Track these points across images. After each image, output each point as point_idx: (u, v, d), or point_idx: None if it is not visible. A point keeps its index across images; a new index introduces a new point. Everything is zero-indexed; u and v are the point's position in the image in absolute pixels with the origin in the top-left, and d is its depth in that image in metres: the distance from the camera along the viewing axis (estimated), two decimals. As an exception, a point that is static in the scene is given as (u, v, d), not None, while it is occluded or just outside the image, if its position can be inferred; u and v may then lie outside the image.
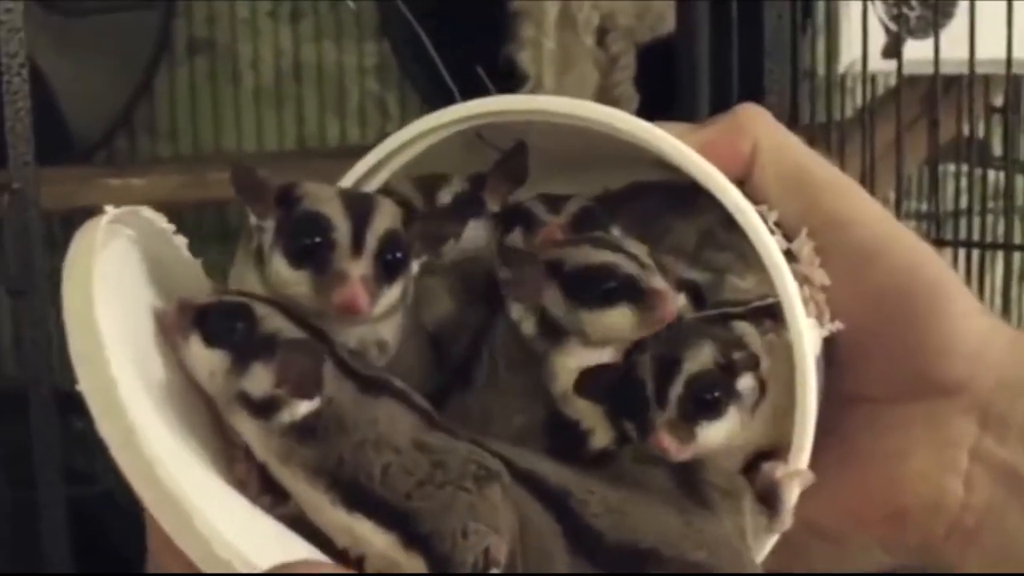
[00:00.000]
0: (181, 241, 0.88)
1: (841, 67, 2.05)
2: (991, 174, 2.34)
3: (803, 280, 0.85)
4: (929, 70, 1.96)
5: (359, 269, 0.78)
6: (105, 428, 0.68)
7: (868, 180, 1.97)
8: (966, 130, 2.16)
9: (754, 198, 0.87)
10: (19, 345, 1.77)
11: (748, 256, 0.86)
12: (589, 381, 0.82)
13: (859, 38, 1.99)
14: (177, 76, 2.59)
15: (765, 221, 0.85)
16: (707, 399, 0.81)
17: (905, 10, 2.03)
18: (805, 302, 0.83)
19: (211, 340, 0.76)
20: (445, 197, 0.89)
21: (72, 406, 0.70)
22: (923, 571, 0.93)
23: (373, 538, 0.74)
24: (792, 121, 1.91)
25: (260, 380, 0.75)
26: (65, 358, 0.71)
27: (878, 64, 2.04)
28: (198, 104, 2.59)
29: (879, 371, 0.88)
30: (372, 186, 0.90)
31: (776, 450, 0.84)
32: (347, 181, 0.89)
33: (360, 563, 0.75)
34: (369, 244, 0.79)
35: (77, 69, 2.49)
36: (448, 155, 0.90)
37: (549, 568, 0.75)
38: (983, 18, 1.92)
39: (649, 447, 0.80)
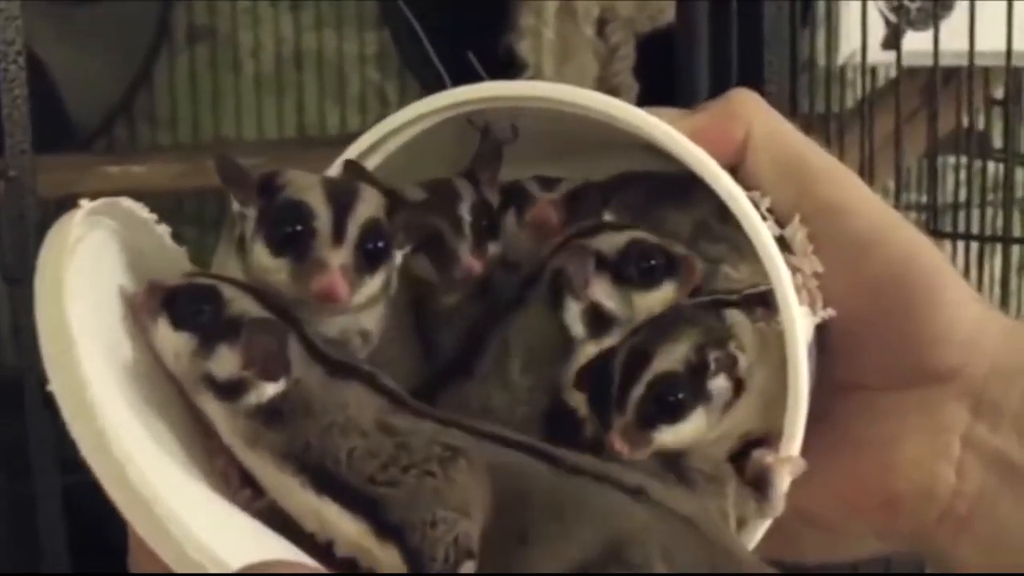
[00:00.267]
0: (164, 230, 0.87)
1: (841, 58, 2.05)
2: (990, 166, 2.34)
3: (795, 269, 0.85)
4: (929, 62, 1.96)
5: (339, 258, 0.78)
6: (76, 430, 0.68)
7: (867, 171, 1.97)
8: (965, 122, 2.16)
9: (747, 184, 0.87)
10: (17, 334, 1.76)
11: (742, 247, 0.86)
12: (583, 370, 0.83)
13: (859, 29, 1.99)
14: (177, 64, 2.59)
15: (757, 207, 0.84)
16: (669, 401, 0.80)
17: (905, 1, 2.03)
18: (797, 289, 0.83)
19: (178, 322, 0.76)
20: (464, 211, 0.89)
21: (47, 395, 0.70)
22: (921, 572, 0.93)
23: (341, 523, 0.74)
24: (791, 112, 1.91)
25: (226, 362, 0.75)
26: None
27: (878, 56, 2.04)
28: (198, 92, 2.59)
29: (873, 359, 0.88)
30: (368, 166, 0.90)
31: (767, 437, 0.84)
32: (337, 166, 0.89)
33: (329, 547, 0.75)
34: (350, 233, 0.79)
35: (77, 57, 2.49)
36: (440, 144, 0.90)
37: (530, 505, 0.75)
38: (983, 10, 1.92)
39: (606, 445, 0.80)
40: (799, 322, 0.82)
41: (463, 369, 0.86)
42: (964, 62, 1.95)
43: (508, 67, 2.36)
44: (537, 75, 2.34)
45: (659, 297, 0.85)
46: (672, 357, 0.81)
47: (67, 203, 0.79)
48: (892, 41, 2.02)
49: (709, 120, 0.89)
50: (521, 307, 0.87)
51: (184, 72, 2.59)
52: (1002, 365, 0.86)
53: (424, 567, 0.72)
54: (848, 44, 2.03)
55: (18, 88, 1.64)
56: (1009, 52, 1.92)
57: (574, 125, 0.86)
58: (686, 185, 0.88)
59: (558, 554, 0.73)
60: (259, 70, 2.62)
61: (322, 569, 0.71)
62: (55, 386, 0.69)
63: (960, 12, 1.98)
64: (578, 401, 0.84)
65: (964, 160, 2.23)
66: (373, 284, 0.80)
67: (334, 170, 0.88)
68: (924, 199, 2.19)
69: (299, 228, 0.79)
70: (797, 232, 0.87)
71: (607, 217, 0.91)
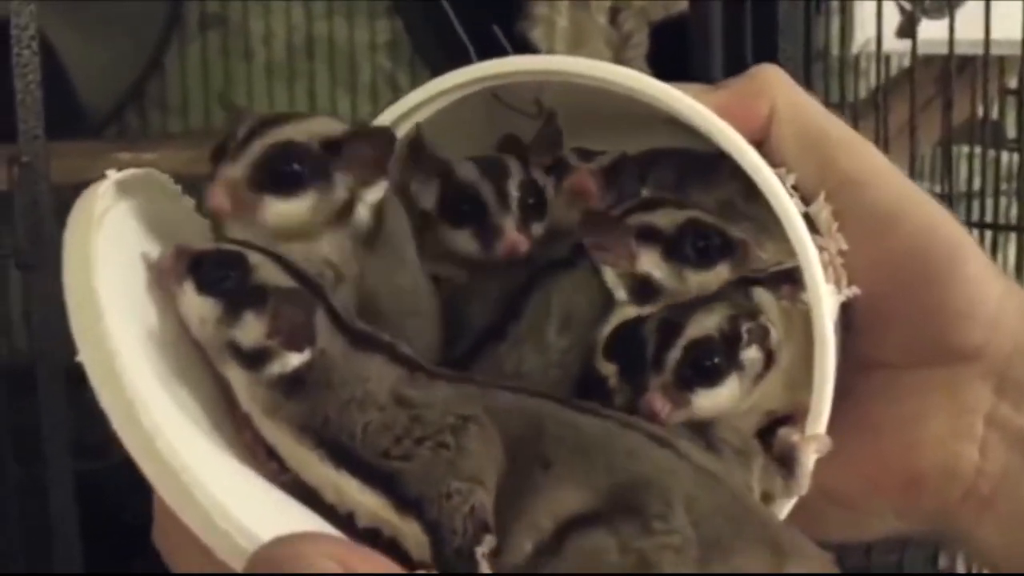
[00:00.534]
0: (189, 202, 0.87)
1: (855, 47, 2.05)
2: (1004, 155, 2.33)
3: (821, 248, 0.84)
4: (944, 50, 1.96)
5: (231, 173, 0.80)
6: (106, 401, 0.68)
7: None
8: (980, 111, 2.15)
9: (771, 160, 0.86)
10: (29, 319, 1.76)
11: (768, 226, 0.86)
12: (611, 339, 0.83)
13: (873, 18, 1.98)
14: (189, 51, 2.58)
15: (783, 184, 0.84)
16: (705, 365, 0.81)
17: (920, -11, 2.03)
18: (824, 267, 0.83)
19: (203, 287, 0.76)
20: (512, 188, 0.89)
21: (82, 379, 0.70)
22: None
23: (360, 497, 0.74)
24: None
25: (251, 330, 0.75)
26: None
27: (892, 44, 2.04)
28: (210, 79, 2.59)
29: (896, 336, 0.88)
30: None
31: (793, 415, 0.84)
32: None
33: (350, 518, 0.75)
34: (252, 151, 0.80)
35: (88, 43, 2.48)
36: (462, 120, 0.90)
37: (555, 439, 0.75)
38: (998, -2, 1.91)
39: (641, 408, 0.80)
40: (826, 299, 0.82)
41: (497, 334, 0.86)
42: (979, 51, 1.94)
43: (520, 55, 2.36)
44: (550, 62, 2.34)
45: (713, 277, 0.85)
46: (705, 325, 0.81)
47: (79, 190, 0.79)
48: (907, 30, 2.01)
49: (734, 96, 0.88)
50: (568, 269, 0.87)
51: (196, 59, 2.58)
52: None
53: (444, 540, 0.72)
54: (863, 33, 2.03)
55: (31, 73, 1.64)
56: (1025, 41, 1.92)
57: (596, 101, 0.86)
58: (710, 163, 0.88)
59: (581, 483, 0.74)
60: (270, 58, 2.62)
61: (346, 539, 0.71)
62: (84, 357, 0.69)
63: (974, 1, 1.97)
64: (608, 370, 0.84)
65: (978, 149, 2.22)
66: (288, 206, 0.81)
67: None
68: (938, 188, 2.18)
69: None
70: (822, 210, 0.87)
71: (644, 192, 0.91)
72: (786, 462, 0.82)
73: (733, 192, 0.90)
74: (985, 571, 0.89)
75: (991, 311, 0.86)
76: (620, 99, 0.84)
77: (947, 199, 2.06)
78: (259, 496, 0.73)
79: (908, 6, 2.03)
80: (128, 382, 0.68)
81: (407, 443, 0.75)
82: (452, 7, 2.44)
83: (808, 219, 0.85)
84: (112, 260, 0.73)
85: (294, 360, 0.75)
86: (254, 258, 0.76)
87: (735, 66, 1.95)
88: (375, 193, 0.83)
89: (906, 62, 2.12)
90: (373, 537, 0.74)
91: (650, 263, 0.85)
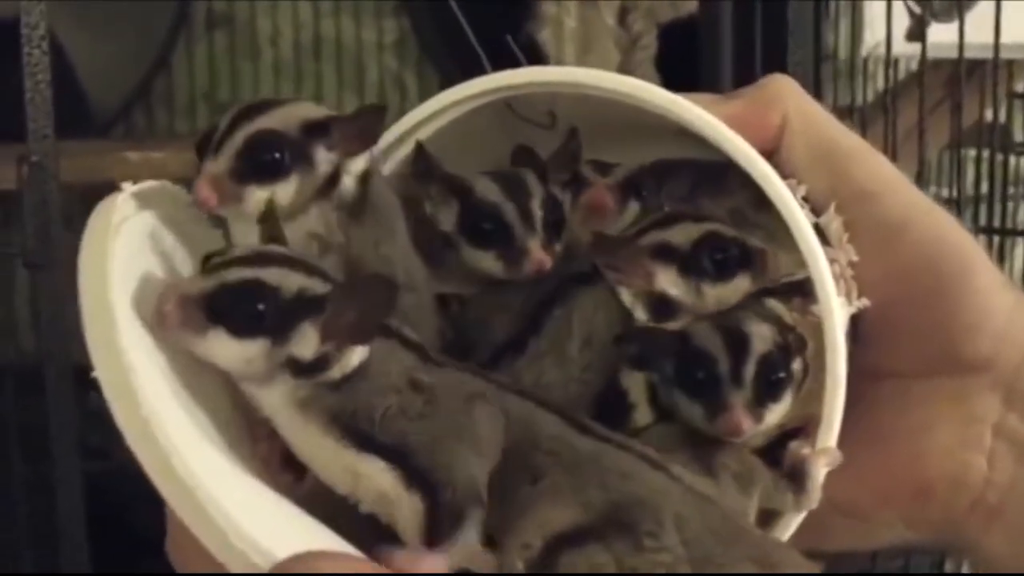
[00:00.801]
0: (202, 213, 0.87)
1: (864, 50, 2.05)
2: (1012, 159, 2.33)
3: (832, 259, 0.84)
4: (953, 54, 1.95)
5: (215, 167, 0.80)
6: (121, 418, 0.67)
7: (890, 164, 1.96)
8: (988, 115, 2.15)
9: (782, 170, 0.86)
10: (36, 320, 1.76)
11: (777, 235, 0.86)
12: (638, 348, 0.83)
13: (882, 20, 1.98)
14: (196, 50, 2.58)
15: (794, 196, 0.84)
16: (772, 380, 0.81)
17: (929, -7, 2.02)
18: (835, 280, 0.83)
19: (241, 332, 0.73)
20: (535, 207, 0.89)
21: (89, 381, 0.69)
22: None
23: (377, 476, 0.74)
24: (815, 104, 1.89)
25: (310, 341, 0.73)
26: (83, 333, 0.70)
27: (902, 48, 2.03)
28: (217, 79, 2.59)
29: (905, 346, 0.88)
30: (401, 153, 0.90)
31: (803, 428, 0.84)
32: (384, 142, 0.89)
33: (355, 507, 0.75)
34: (234, 143, 0.80)
35: (96, 42, 2.48)
36: (473, 129, 0.90)
37: (547, 452, 0.75)
38: (1008, 2, 1.90)
39: (722, 426, 0.80)
40: (837, 312, 0.82)
41: (517, 347, 0.86)
42: (988, 55, 1.94)
43: (528, 56, 2.35)
44: (558, 64, 2.34)
45: (733, 289, 0.85)
46: (767, 338, 0.81)
47: (87, 189, 0.78)
48: (916, 33, 2.01)
49: (745, 106, 0.88)
50: (588, 285, 0.87)
51: (203, 59, 2.59)
52: None
53: (439, 498, 0.73)
54: (872, 35, 2.03)
55: (41, 73, 1.63)
56: (1034, 45, 1.92)
57: (608, 110, 0.85)
58: (721, 173, 0.88)
59: (570, 500, 0.74)
60: (278, 57, 2.62)
61: (362, 557, 0.71)
62: (99, 372, 0.68)
63: (985, 4, 1.97)
64: (631, 384, 0.84)
65: (986, 153, 2.21)
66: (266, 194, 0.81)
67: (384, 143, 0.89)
68: (946, 192, 2.18)
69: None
70: (833, 221, 0.87)
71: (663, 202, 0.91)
72: (796, 476, 0.82)
73: (743, 202, 0.90)
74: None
75: (1000, 323, 0.86)
76: (631, 108, 0.84)
77: (955, 203, 2.06)
78: (274, 512, 0.73)
79: (917, 9, 2.02)
80: (143, 399, 0.67)
81: (422, 423, 0.75)
82: (460, 8, 2.44)
83: (819, 230, 0.85)
84: (128, 272, 0.73)
85: (355, 359, 0.75)
86: (270, 276, 0.74)
87: (744, 67, 1.95)
88: (359, 163, 0.84)
89: (914, 66, 2.12)
90: (372, 523, 0.75)
91: (667, 281, 0.85)
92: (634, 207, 0.92)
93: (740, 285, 0.85)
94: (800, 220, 0.82)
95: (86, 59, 2.45)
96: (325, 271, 0.76)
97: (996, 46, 1.91)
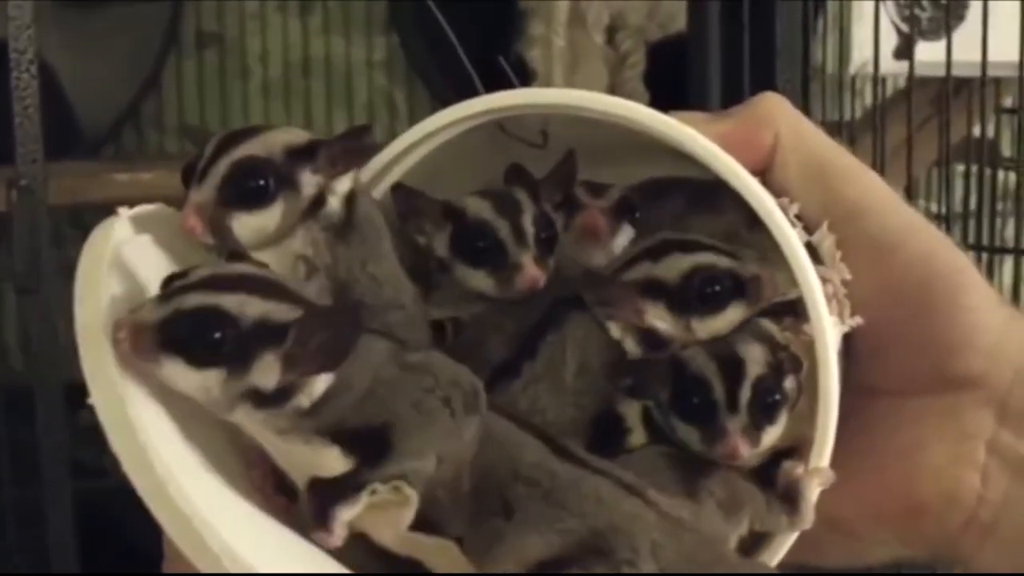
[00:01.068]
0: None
1: (852, 68, 2.05)
2: (1000, 174, 2.33)
3: (824, 279, 0.84)
4: (940, 72, 1.96)
5: (200, 196, 0.80)
6: (117, 447, 0.67)
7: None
8: (976, 131, 2.16)
9: (774, 189, 0.86)
10: (26, 341, 1.76)
11: (770, 255, 0.85)
12: (635, 378, 0.83)
13: (871, 39, 1.99)
14: (185, 70, 2.59)
15: (786, 214, 0.84)
16: (768, 402, 0.81)
17: (917, 11, 2.03)
18: (827, 299, 0.83)
19: (196, 361, 0.71)
20: (527, 224, 0.88)
21: (80, 399, 0.69)
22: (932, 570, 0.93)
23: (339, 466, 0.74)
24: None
25: (270, 371, 0.72)
26: (74, 350, 0.70)
27: (890, 66, 2.04)
28: (206, 98, 2.59)
29: (897, 364, 0.88)
30: (394, 176, 0.90)
31: (796, 447, 0.84)
32: (368, 172, 0.89)
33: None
34: (218, 171, 0.81)
35: (85, 62, 2.48)
36: (465, 149, 0.90)
37: (523, 480, 0.75)
38: (995, 20, 1.91)
39: (720, 451, 0.80)
40: (830, 333, 0.82)
41: (511, 371, 0.86)
42: (975, 72, 1.95)
43: (518, 75, 2.36)
44: (547, 84, 2.35)
45: (725, 320, 0.84)
46: (760, 360, 0.81)
47: (77, 211, 0.79)
48: (904, 51, 2.02)
49: (738, 125, 0.88)
50: (581, 309, 0.86)
51: (192, 78, 2.59)
52: None
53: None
54: (860, 54, 2.03)
55: (30, 97, 1.64)
56: (1022, 63, 1.92)
57: (601, 130, 0.85)
58: (715, 191, 0.87)
59: (545, 529, 0.73)
60: (267, 76, 2.63)
61: None
62: (95, 400, 0.68)
63: (972, 22, 1.97)
64: (628, 411, 0.84)
65: (975, 168, 2.22)
66: (258, 219, 0.81)
67: (367, 174, 0.89)
68: (935, 207, 2.18)
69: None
70: (825, 239, 0.87)
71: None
72: (790, 497, 0.82)
73: (736, 221, 0.89)
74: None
75: (992, 340, 0.86)
76: (624, 127, 0.84)
77: (945, 220, 2.06)
78: (270, 537, 0.73)
79: (905, 28, 2.03)
80: (139, 427, 0.67)
81: (416, 394, 0.75)
82: (449, 27, 2.45)
83: (811, 249, 0.85)
84: (125, 297, 0.73)
85: (321, 386, 0.73)
86: (230, 302, 0.71)
87: (733, 86, 1.96)
88: (345, 184, 0.84)
89: (901, 82, 2.12)
90: (368, 546, 0.75)
91: (656, 316, 0.84)
92: (628, 230, 0.92)
93: (732, 316, 0.84)
94: (791, 240, 0.82)
95: (76, 79, 2.45)
96: (296, 294, 0.74)
97: (983, 64, 1.91)
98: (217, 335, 0.70)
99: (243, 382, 0.71)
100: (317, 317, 0.73)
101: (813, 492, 0.82)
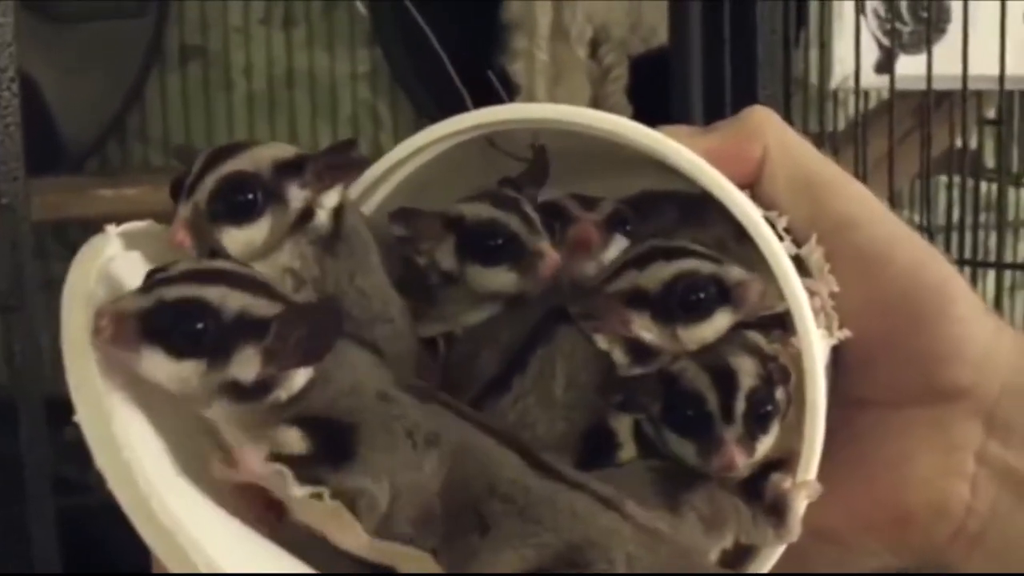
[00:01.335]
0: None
1: (834, 82, 2.05)
2: (983, 185, 2.34)
3: (812, 292, 0.85)
4: (922, 86, 1.96)
5: (188, 210, 0.81)
6: (102, 462, 0.67)
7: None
8: (958, 143, 2.16)
9: (763, 202, 0.87)
10: (9, 357, 1.76)
11: (758, 267, 0.85)
12: (626, 393, 0.83)
13: (852, 53, 1.99)
14: (169, 83, 2.59)
15: (774, 228, 0.84)
16: (761, 413, 0.81)
17: (898, 25, 2.03)
18: (815, 312, 0.83)
19: (179, 353, 0.71)
20: (531, 210, 0.89)
21: (64, 415, 0.70)
22: (919, 571, 0.94)
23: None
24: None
25: (250, 364, 0.72)
26: (58, 365, 0.70)
27: (871, 79, 2.04)
28: (190, 111, 2.59)
29: (885, 376, 0.88)
30: (382, 192, 0.91)
31: (783, 459, 0.84)
32: (357, 187, 0.89)
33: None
34: (206, 186, 0.81)
35: (68, 76, 2.48)
36: (454, 163, 0.90)
37: (498, 496, 0.75)
38: (976, 34, 1.92)
39: (717, 463, 0.80)
40: (817, 346, 0.82)
41: (502, 385, 0.86)
42: (957, 86, 1.95)
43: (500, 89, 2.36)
44: (530, 98, 2.35)
45: (711, 327, 0.84)
46: (752, 372, 0.82)
47: (61, 227, 0.79)
48: (885, 65, 2.02)
49: (726, 139, 0.89)
50: (568, 324, 0.86)
51: (176, 91, 2.59)
52: (1014, 383, 0.87)
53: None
54: (842, 68, 2.03)
55: (11, 115, 1.62)
56: (1002, 76, 1.92)
57: (590, 143, 0.86)
58: (702, 204, 0.88)
59: (519, 545, 0.74)
60: (251, 89, 2.63)
61: None
62: (80, 416, 0.68)
63: (953, 36, 1.98)
64: (619, 425, 0.84)
65: (957, 179, 2.22)
66: (248, 233, 0.82)
67: (357, 188, 0.89)
68: (917, 218, 2.19)
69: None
70: (813, 252, 0.87)
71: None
72: (777, 510, 0.82)
73: (724, 234, 0.89)
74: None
75: (979, 351, 0.87)
76: (609, 141, 0.85)
77: (927, 231, 2.06)
78: (256, 553, 0.73)
79: (886, 41, 2.03)
80: (125, 443, 0.68)
81: (385, 418, 0.75)
82: (429, 45, 2.45)
83: (799, 261, 0.85)
84: None
85: (300, 380, 0.74)
86: (212, 294, 0.72)
87: (715, 99, 1.96)
88: (332, 197, 0.84)
89: (884, 95, 2.12)
90: (355, 561, 0.75)
91: (641, 327, 0.84)
92: (620, 241, 0.92)
93: (719, 323, 0.84)
94: (777, 252, 0.82)
95: (59, 93, 2.45)
96: (276, 290, 0.75)
97: (964, 77, 1.92)
98: (199, 326, 0.71)
99: (222, 374, 0.72)
100: (298, 312, 0.73)
101: (800, 505, 0.82)
